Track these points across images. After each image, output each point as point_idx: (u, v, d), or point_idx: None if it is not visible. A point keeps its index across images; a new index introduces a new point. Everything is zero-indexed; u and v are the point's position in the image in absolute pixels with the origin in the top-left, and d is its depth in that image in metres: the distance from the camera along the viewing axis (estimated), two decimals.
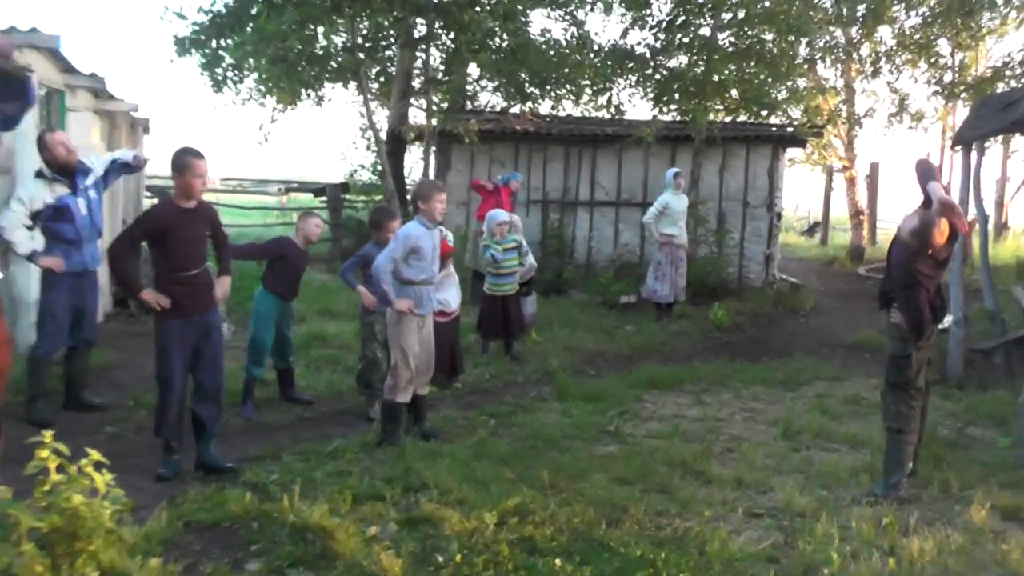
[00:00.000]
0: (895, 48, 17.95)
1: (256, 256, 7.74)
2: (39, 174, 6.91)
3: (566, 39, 14.28)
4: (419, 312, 6.35)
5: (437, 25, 12.57)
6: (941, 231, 5.36)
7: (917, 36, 17.83)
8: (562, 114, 16.90)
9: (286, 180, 25.16)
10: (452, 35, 12.88)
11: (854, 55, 17.98)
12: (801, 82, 15.44)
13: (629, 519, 4.92)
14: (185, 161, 5.49)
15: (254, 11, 12.54)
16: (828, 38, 17.65)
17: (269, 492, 5.19)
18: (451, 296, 7.97)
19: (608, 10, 14.39)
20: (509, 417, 7.21)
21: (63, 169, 6.90)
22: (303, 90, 14.21)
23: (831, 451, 6.62)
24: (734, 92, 12.74)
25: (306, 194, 22.90)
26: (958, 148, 9.39)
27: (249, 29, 12.01)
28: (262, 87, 14.64)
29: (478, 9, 12.02)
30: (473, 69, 17.70)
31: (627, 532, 4.74)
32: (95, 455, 4.27)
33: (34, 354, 6.86)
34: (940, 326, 9.24)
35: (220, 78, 15.06)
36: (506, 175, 12.10)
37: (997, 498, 5.46)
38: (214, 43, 14.27)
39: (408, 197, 15.59)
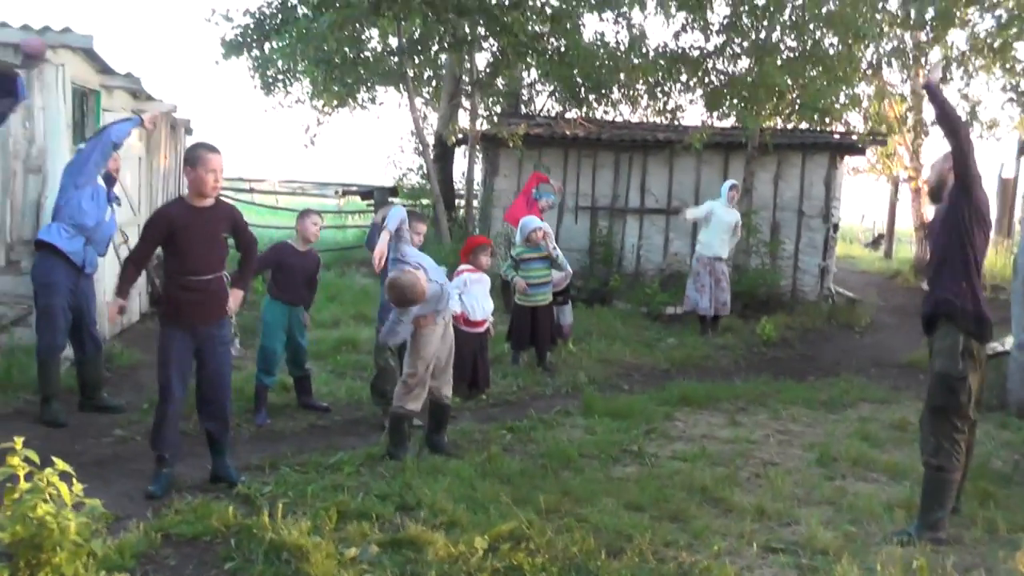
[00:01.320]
0: (967, 53, 17.06)
1: (259, 269, 7.42)
2: None
3: (618, 40, 13.90)
4: (441, 315, 6.07)
5: (481, 28, 12.29)
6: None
7: (992, 40, 16.93)
8: (614, 119, 16.56)
9: (343, 183, 25.17)
10: (497, 39, 12.59)
11: (922, 60, 17.16)
12: (863, 88, 14.73)
13: (632, 550, 4.56)
14: (197, 154, 5.18)
15: (299, 13, 12.47)
16: (896, 42, 16.88)
17: (257, 506, 4.97)
18: (478, 303, 7.60)
19: (667, 11, 13.91)
20: (528, 432, 6.88)
21: (107, 176, 7.08)
22: (351, 93, 14.07)
23: (869, 481, 6.14)
24: (789, 97, 12.19)
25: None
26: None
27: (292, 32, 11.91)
28: (309, 89, 14.61)
29: (523, 12, 11.71)
30: (529, 74, 17.54)
31: (626, 565, 4.38)
32: (61, 465, 4.07)
33: (39, 356, 6.80)
34: (999, 347, 8.72)
35: (270, 80, 15.06)
36: (540, 191, 11.53)
37: None
38: (266, 45, 14.26)
39: (455, 202, 15.42)
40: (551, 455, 6.16)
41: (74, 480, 4.20)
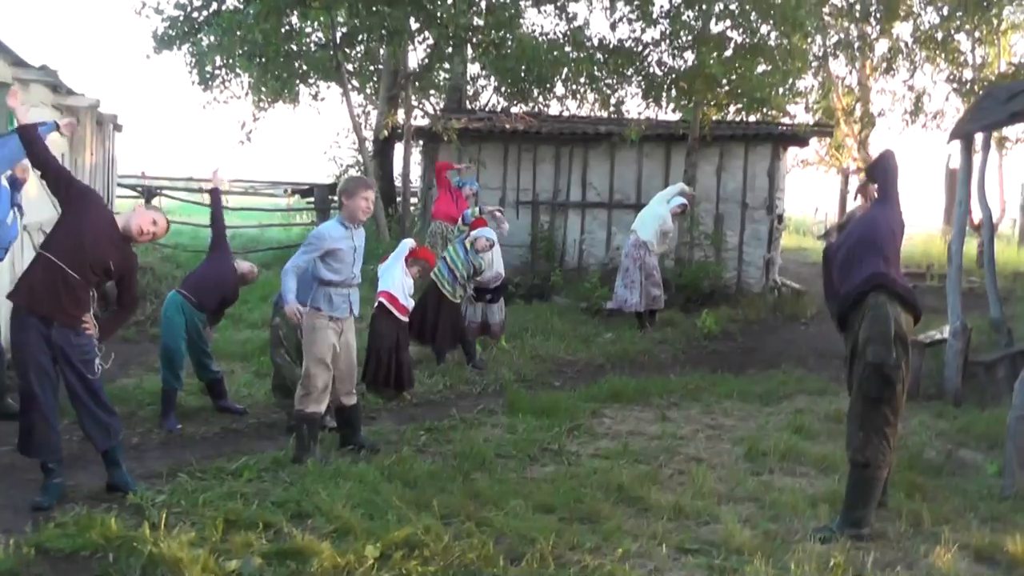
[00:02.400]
0: (912, 44, 17.12)
1: None
2: None
3: (556, 33, 13.64)
4: (334, 314, 5.80)
5: (414, 21, 11.98)
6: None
7: (936, 32, 16.99)
8: (561, 113, 16.35)
9: (292, 182, 24.77)
10: (429, 31, 12.28)
11: (867, 52, 17.17)
12: (808, 79, 14.69)
13: (533, 555, 4.30)
14: None
15: (228, 5, 12.10)
16: (841, 34, 16.88)
17: (147, 516, 4.64)
18: (405, 291, 7.43)
19: (612, 4, 13.61)
20: (446, 433, 6.61)
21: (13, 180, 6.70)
22: (287, 88, 13.69)
23: (797, 475, 5.94)
24: (726, 88, 12.02)
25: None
26: (955, 142, 8.64)
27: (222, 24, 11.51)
28: (244, 85, 14.21)
29: (455, 4, 11.40)
30: (471, 68, 17.27)
31: (524, 570, 4.13)
32: None
33: None
34: (936, 335, 8.60)
35: (208, 76, 14.60)
36: (463, 179, 11.36)
37: (972, 536, 4.77)
38: (203, 40, 13.83)
39: (397, 199, 15.13)
40: (465, 456, 5.88)
41: None
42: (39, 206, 7.50)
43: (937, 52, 17.21)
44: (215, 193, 7.54)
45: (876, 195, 5.26)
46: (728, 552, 4.52)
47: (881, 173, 5.19)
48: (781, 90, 11.67)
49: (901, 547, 4.70)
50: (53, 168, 5.10)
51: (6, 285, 7.67)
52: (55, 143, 9.50)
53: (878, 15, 16.89)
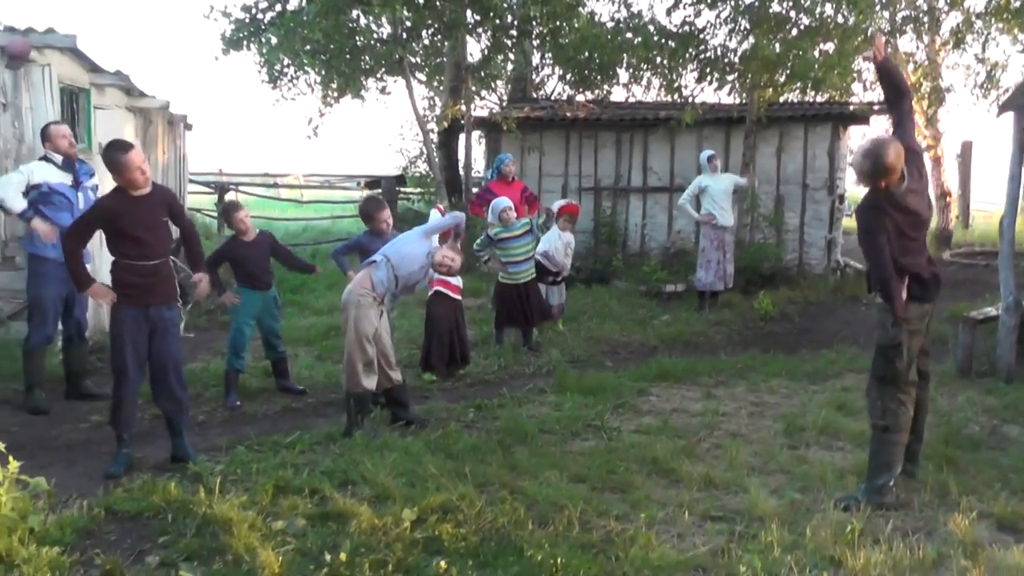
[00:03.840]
0: (985, 15, 16.56)
1: (214, 265, 7.32)
2: (44, 158, 7.06)
3: (614, 19, 13.74)
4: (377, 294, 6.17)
5: (471, 14, 12.25)
6: (898, 152, 4.74)
7: (1013, 1, 16.42)
8: (627, 99, 16.45)
9: (365, 175, 25.45)
10: (486, 24, 12.53)
11: (936, 26, 16.72)
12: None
13: (561, 520, 4.57)
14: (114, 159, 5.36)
15: (291, 5, 12.59)
16: (910, 10, 16.48)
17: (205, 484, 5.07)
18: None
19: None
20: (494, 410, 6.89)
21: (65, 160, 7.07)
22: (352, 83, 14.13)
23: (832, 450, 6.05)
24: (782, 70, 11.96)
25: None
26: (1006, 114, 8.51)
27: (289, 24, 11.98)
28: (312, 80, 14.71)
29: None
30: (534, 58, 17.48)
31: (550, 534, 4.38)
32: None
33: (26, 346, 7.00)
34: (990, 311, 8.51)
35: (277, 74, 15.17)
36: (498, 161, 11.03)
37: (996, 505, 4.85)
38: (270, 40, 14.38)
39: (463, 187, 15.46)
40: (509, 431, 6.17)
41: (10, 458, 4.35)
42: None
43: (1012, 22, 16.63)
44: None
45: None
46: (751, 520, 4.70)
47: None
48: (838, 71, 11.54)
49: (923, 516, 4.81)
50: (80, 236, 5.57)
51: (103, 273, 8.29)
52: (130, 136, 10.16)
53: None
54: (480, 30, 13.09)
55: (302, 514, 4.58)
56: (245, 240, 7.35)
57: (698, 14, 12.39)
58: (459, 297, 8.06)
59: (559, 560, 3.95)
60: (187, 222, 5.99)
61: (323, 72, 14.36)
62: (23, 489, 4.48)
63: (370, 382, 6.10)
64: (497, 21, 11.53)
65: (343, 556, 3.96)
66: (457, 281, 7.90)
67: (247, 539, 4.19)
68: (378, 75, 16.21)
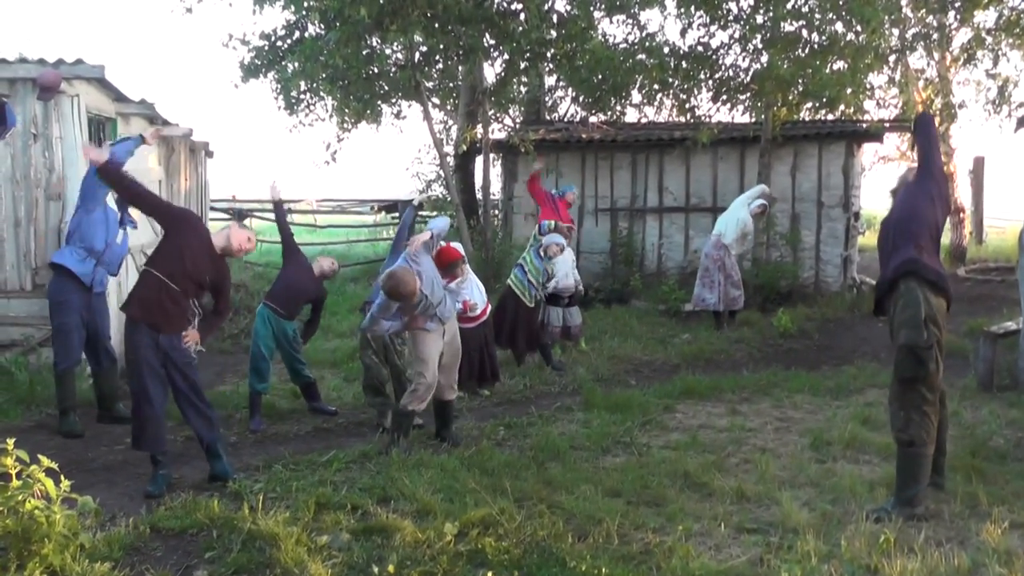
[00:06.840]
0: (995, 31, 16.69)
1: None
2: None
3: (627, 41, 13.91)
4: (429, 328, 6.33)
5: (488, 38, 12.45)
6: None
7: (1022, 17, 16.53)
8: (639, 120, 16.60)
9: (378, 199, 25.65)
10: (502, 48, 12.71)
11: (946, 43, 16.86)
12: (885, 73, 14.58)
13: (599, 533, 4.66)
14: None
15: (310, 32, 12.80)
16: (920, 27, 16.63)
17: (245, 501, 5.17)
18: (474, 298, 7.87)
19: (686, 7, 13.67)
20: (524, 428, 7.01)
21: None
22: (369, 108, 14.33)
23: (859, 463, 6.13)
24: (796, 89, 12.10)
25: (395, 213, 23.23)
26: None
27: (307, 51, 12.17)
28: (331, 106, 14.91)
29: (527, 20, 11.82)
30: (547, 80, 17.67)
31: (590, 546, 4.48)
32: (46, 462, 4.33)
33: (56, 370, 7.13)
34: (1011, 326, 8.59)
35: (294, 100, 15.36)
36: (562, 188, 11.74)
37: None
38: (288, 67, 14.60)
39: (479, 211, 15.60)
40: (540, 447, 6.27)
41: (62, 477, 4.47)
42: (140, 230, 8.18)
43: (1023, 37, 16.73)
44: (277, 206, 8.07)
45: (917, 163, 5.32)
46: (785, 531, 4.78)
47: (923, 137, 5.24)
48: (851, 89, 11.66)
49: (954, 526, 4.88)
50: (147, 203, 5.78)
51: (118, 299, 8.44)
52: (152, 171, 10.33)
53: (957, 4, 16.55)
54: (495, 53, 13.27)
55: (345, 529, 4.69)
56: (308, 266, 7.56)
57: (712, 35, 12.55)
58: (484, 319, 8.10)
59: (602, 571, 4.03)
60: (225, 302, 6.04)
61: (338, 98, 14.53)
62: (71, 508, 4.60)
63: (423, 404, 6.30)
64: (514, 44, 11.68)
65: (391, 568, 4.07)
66: (481, 307, 7.97)
67: (294, 553, 4.29)
68: (393, 100, 16.42)
